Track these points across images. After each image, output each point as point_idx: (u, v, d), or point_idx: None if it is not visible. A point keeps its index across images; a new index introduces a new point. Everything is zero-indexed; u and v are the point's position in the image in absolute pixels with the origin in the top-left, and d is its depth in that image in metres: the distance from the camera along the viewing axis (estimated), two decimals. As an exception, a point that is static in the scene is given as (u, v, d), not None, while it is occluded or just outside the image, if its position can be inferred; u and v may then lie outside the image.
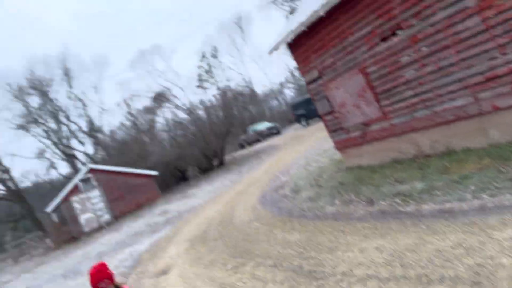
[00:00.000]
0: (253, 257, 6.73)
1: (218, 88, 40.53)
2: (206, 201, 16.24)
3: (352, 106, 8.74)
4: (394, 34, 7.23)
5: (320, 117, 10.04)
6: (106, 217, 24.63)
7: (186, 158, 28.03)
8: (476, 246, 3.91)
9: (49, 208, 24.94)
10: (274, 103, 49.61)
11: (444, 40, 6.44)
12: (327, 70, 9.03)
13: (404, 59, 7.21)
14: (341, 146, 9.68)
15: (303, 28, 8.74)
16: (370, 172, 8.27)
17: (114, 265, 10.96)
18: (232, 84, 43.07)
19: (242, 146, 35.93)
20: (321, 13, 8.04)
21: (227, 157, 30.83)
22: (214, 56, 47.29)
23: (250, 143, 34.97)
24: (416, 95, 7.29)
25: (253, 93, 45.51)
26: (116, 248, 14.16)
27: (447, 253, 4.03)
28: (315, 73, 9.42)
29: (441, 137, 7.11)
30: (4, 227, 44.94)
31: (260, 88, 58.07)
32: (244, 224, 9.22)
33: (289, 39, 9.36)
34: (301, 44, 9.38)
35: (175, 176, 28.76)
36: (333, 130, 9.73)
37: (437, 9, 6.36)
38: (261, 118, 41.01)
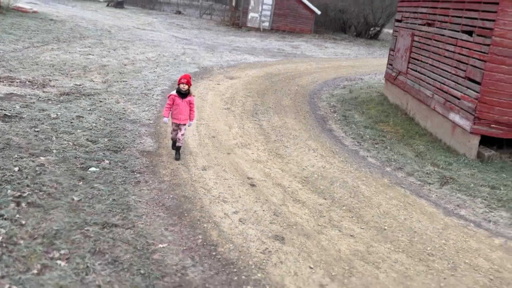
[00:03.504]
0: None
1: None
2: (326, 59, 20.30)
3: (400, 55, 11.42)
4: (430, 25, 9.54)
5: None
6: (266, 24, 30.11)
7: (352, 16, 30.42)
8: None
9: (234, -7, 30.98)
10: None
11: (438, 49, 8.89)
12: (404, 19, 11.45)
13: (426, 46, 9.67)
14: (387, 77, 12.61)
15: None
16: (377, 104, 11.54)
17: (226, 60, 16.62)
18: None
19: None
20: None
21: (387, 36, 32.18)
22: None
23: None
24: (420, 73, 9.95)
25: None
26: (245, 51, 19.75)
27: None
28: (400, 16, 11.83)
29: (417, 107, 10.04)
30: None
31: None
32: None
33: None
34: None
35: (335, 26, 31.75)
36: (388, 63, 12.55)
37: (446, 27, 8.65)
38: None
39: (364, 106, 11.23)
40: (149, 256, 3.77)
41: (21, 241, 3.63)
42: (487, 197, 6.14)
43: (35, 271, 3.31)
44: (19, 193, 4.36)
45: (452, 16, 8.66)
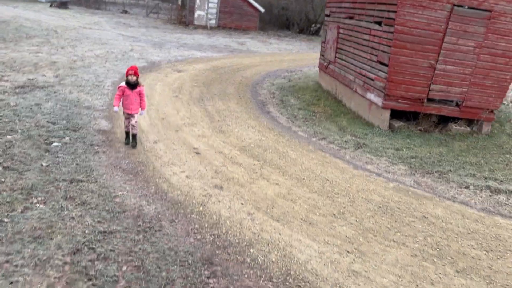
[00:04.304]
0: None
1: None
2: (269, 54, 21.54)
3: (329, 46, 12.84)
4: (352, 18, 10.98)
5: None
6: (213, 22, 31.04)
7: (294, 13, 32.00)
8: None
9: (180, -8, 31.64)
10: None
11: (357, 39, 10.33)
12: (332, 14, 12.88)
13: (349, 37, 11.10)
14: (320, 66, 14.02)
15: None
16: (312, 90, 12.89)
17: (174, 55, 17.42)
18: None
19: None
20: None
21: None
22: None
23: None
24: (345, 61, 11.37)
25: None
26: (193, 47, 20.61)
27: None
28: (328, 11, 13.26)
29: (343, 90, 11.45)
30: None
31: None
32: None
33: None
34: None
35: (279, 23, 33.20)
36: (321, 54, 13.96)
37: (363, 18, 10.10)
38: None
39: (300, 92, 12.55)
40: (112, 199, 4.72)
41: (4, 192, 4.46)
42: (391, 156, 7.55)
43: (20, 211, 4.18)
44: (-6, 161, 5.13)
45: (367, 9, 10.10)
